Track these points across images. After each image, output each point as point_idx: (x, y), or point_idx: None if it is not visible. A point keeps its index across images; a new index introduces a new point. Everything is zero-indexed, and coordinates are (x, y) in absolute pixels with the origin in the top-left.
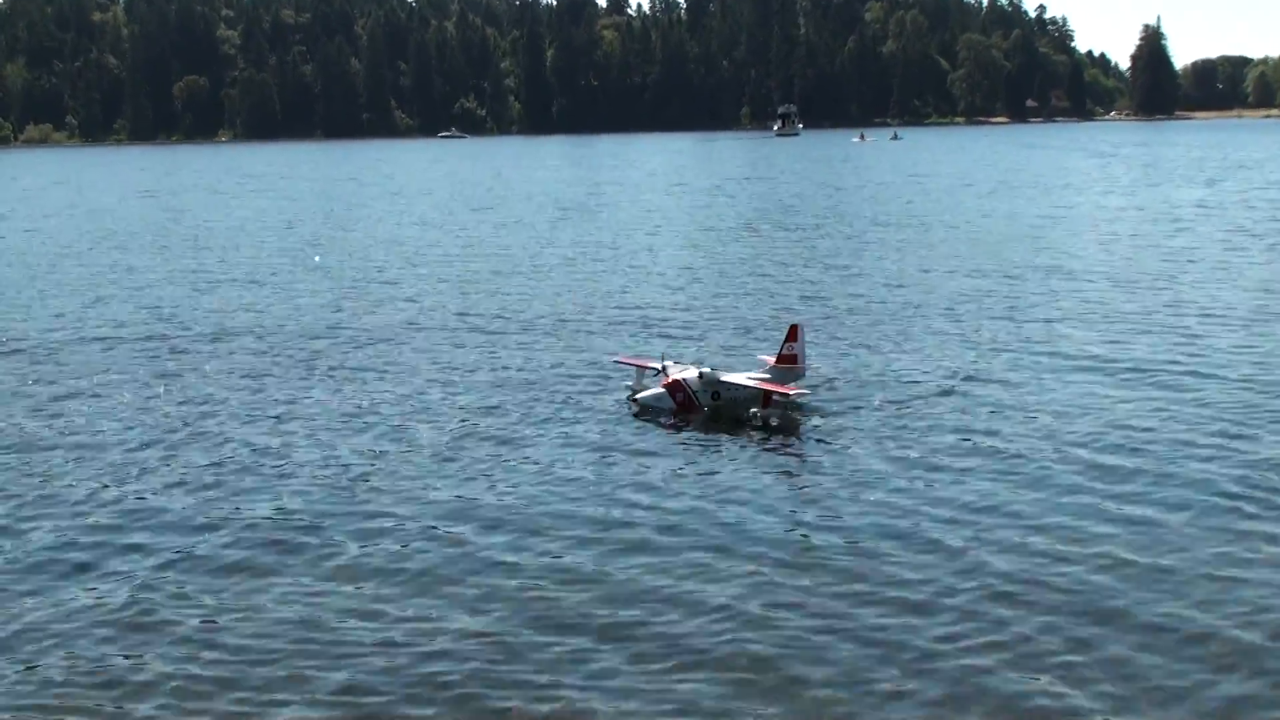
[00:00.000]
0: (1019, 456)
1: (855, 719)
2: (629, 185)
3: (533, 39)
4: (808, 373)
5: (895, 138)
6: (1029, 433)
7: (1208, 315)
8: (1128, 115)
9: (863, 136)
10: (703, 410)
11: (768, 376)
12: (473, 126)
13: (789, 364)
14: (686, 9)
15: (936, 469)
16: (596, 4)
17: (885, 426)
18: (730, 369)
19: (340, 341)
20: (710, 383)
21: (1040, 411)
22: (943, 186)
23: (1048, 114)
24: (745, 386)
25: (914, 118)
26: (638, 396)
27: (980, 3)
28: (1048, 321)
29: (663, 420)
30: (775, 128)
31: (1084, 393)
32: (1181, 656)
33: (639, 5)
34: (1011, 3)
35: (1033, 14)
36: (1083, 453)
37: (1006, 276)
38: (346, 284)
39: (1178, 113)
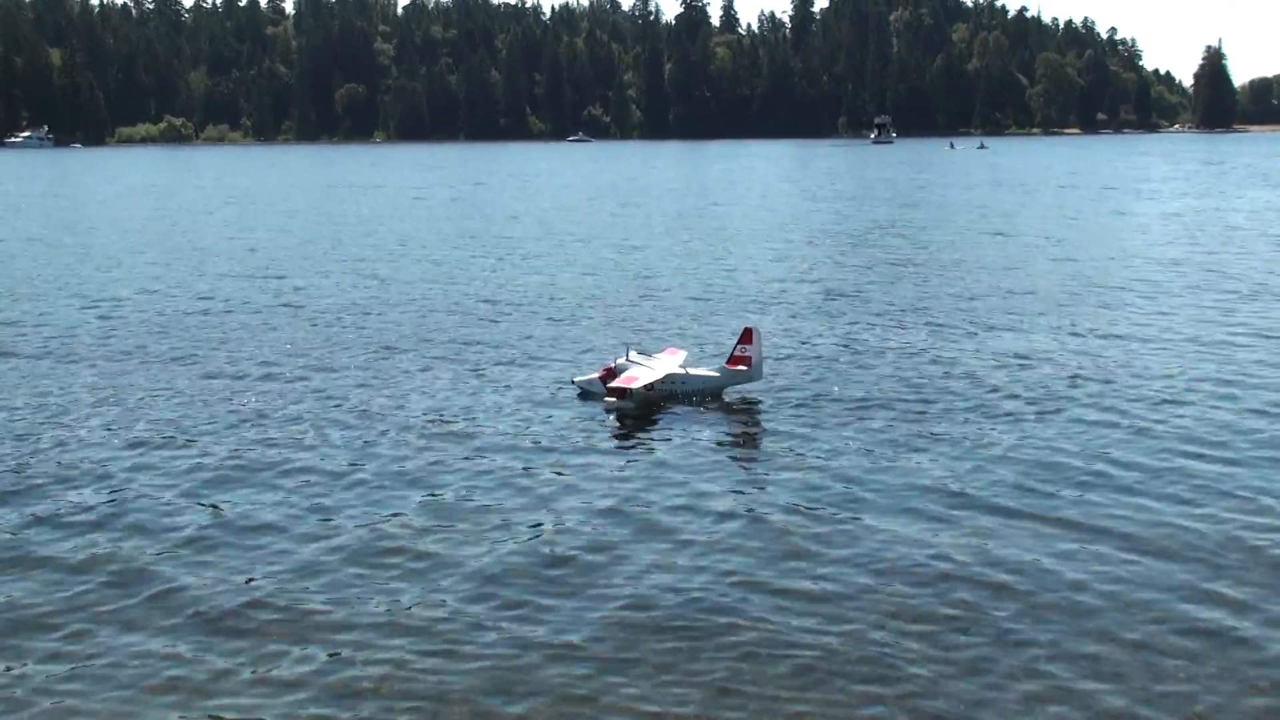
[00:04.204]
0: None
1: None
2: (794, 189)
3: (653, 54)
4: (764, 374)
5: (981, 146)
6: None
7: None
8: (1190, 128)
9: (952, 145)
10: (630, 396)
11: (717, 374)
12: (598, 131)
13: (740, 365)
14: (791, 28)
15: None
16: (711, 23)
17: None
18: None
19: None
20: (621, 372)
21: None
22: (1063, 189)
23: (1116, 126)
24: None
25: (994, 128)
26: (576, 379)
27: (1057, 24)
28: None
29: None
30: (872, 136)
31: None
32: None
33: (749, 25)
34: (1085, 24)
35: (1104, 35)
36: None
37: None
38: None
39: (1235, 126)
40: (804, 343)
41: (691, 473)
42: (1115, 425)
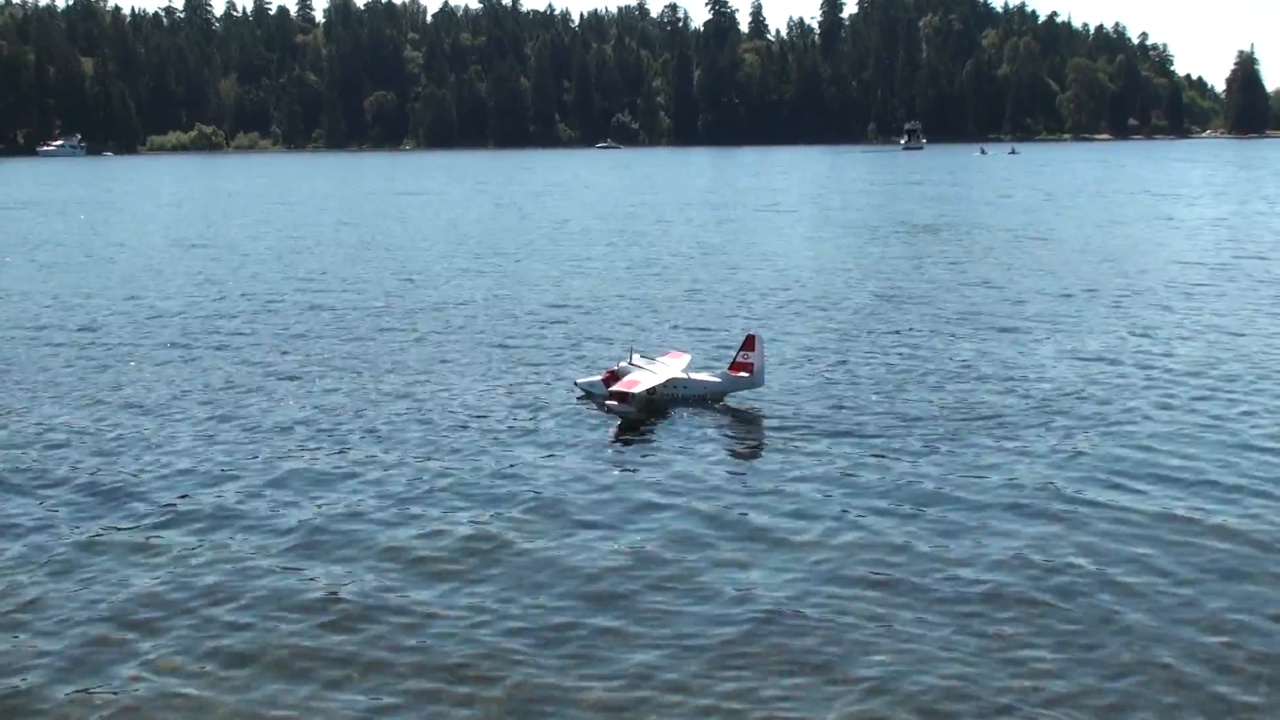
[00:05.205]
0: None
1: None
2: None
3: (682, 60)
4: (765, 381)
5: (1013, 152)
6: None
7: None
8: (1222, 134)
9: (983, 151)
10: (632, 400)
11: (718, 380)
12: (627, 138)
13: (742, 371)
14: (820, 34)
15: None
16: (739, 29)
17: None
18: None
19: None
20: (624, 375)
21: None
22: (1102, 194)
23: (1148, 132)
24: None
25: (1025, 134)
26: (579, 381)
27: (1088, 29)
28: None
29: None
30: (902, 142)
31: None
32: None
33: (777, 31)
34: (1116, 29)
35: (1136, 40)
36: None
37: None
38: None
39: (1268, 131)
40: (850, 345)
41: (707, 479)
42: (1186, 424)
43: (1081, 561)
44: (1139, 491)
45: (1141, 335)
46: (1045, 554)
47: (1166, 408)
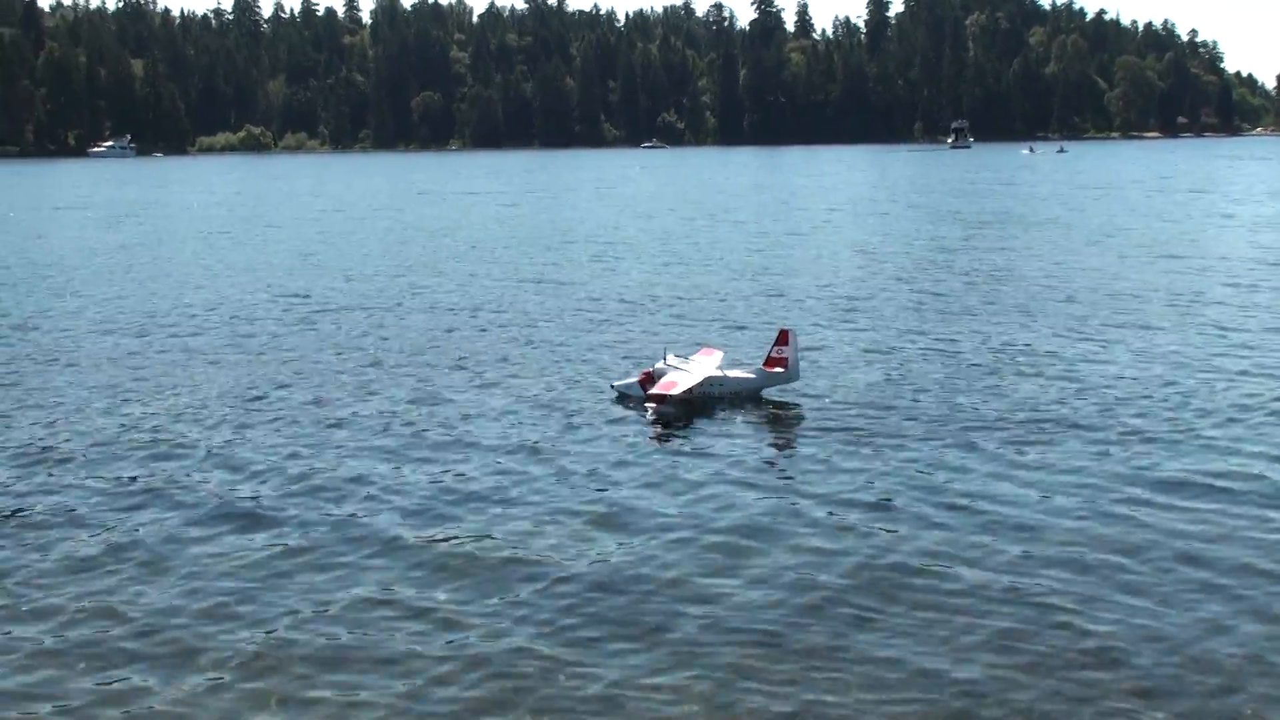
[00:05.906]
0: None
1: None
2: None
3: (727, 60)
4: (800, 376)
5: (1061, 150)
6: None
7: None
8: (1273, 131)
9: (1031, 149)
10: (670, 401)
11: (753, 376)
12: (672, 138)
13: (777, 367)
14: (866, 33)
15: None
16: (785, 29)
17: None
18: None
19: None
20: (660, 376)
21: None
22: (1157, 192)
23: (1197, 130)
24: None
25: (1072, 132)
26: (615, 384)
27: (1136, 26)
28: None
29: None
30: (949, 141)
31: None
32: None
33: (823, 30)
34: (1165, 26)
35: (1185, 37)
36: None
37: None
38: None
39: None
40: (902, 346)
41: (753, 478)
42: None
43: (1170, 563)
44: (1221, 491)
45: (1211, 334)
46: (1131, 557)
47: (1248, 407)
